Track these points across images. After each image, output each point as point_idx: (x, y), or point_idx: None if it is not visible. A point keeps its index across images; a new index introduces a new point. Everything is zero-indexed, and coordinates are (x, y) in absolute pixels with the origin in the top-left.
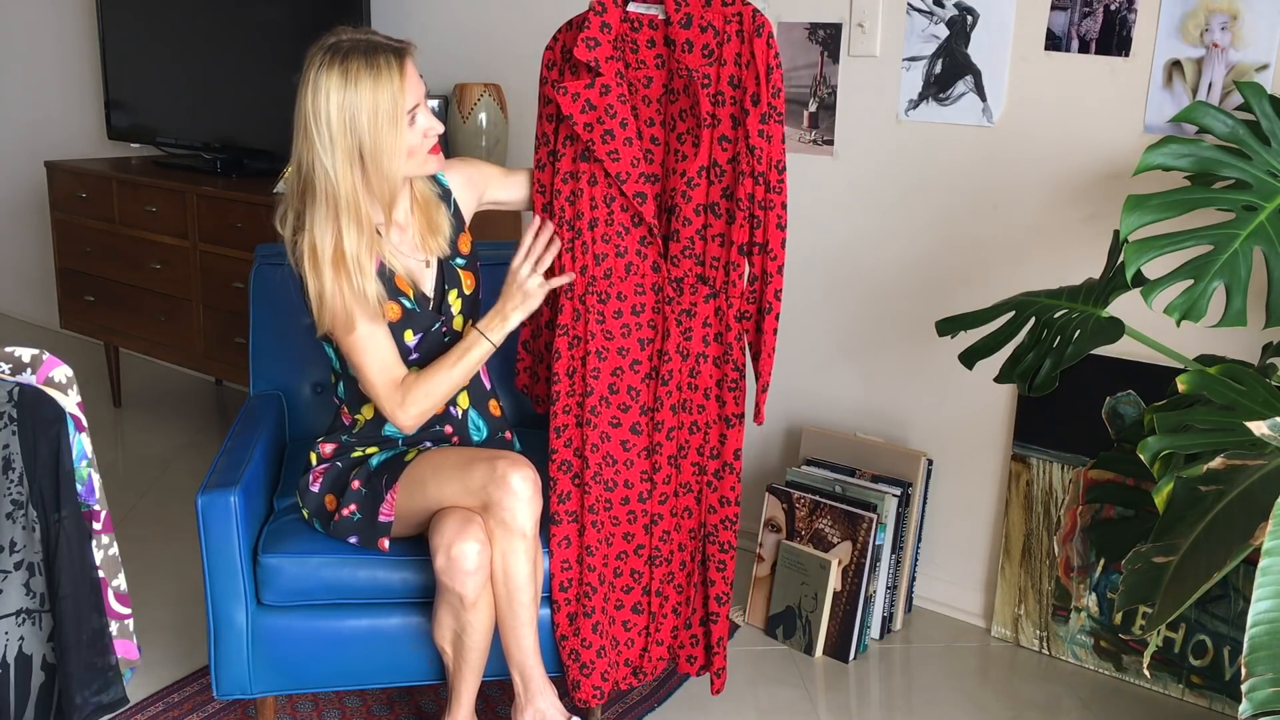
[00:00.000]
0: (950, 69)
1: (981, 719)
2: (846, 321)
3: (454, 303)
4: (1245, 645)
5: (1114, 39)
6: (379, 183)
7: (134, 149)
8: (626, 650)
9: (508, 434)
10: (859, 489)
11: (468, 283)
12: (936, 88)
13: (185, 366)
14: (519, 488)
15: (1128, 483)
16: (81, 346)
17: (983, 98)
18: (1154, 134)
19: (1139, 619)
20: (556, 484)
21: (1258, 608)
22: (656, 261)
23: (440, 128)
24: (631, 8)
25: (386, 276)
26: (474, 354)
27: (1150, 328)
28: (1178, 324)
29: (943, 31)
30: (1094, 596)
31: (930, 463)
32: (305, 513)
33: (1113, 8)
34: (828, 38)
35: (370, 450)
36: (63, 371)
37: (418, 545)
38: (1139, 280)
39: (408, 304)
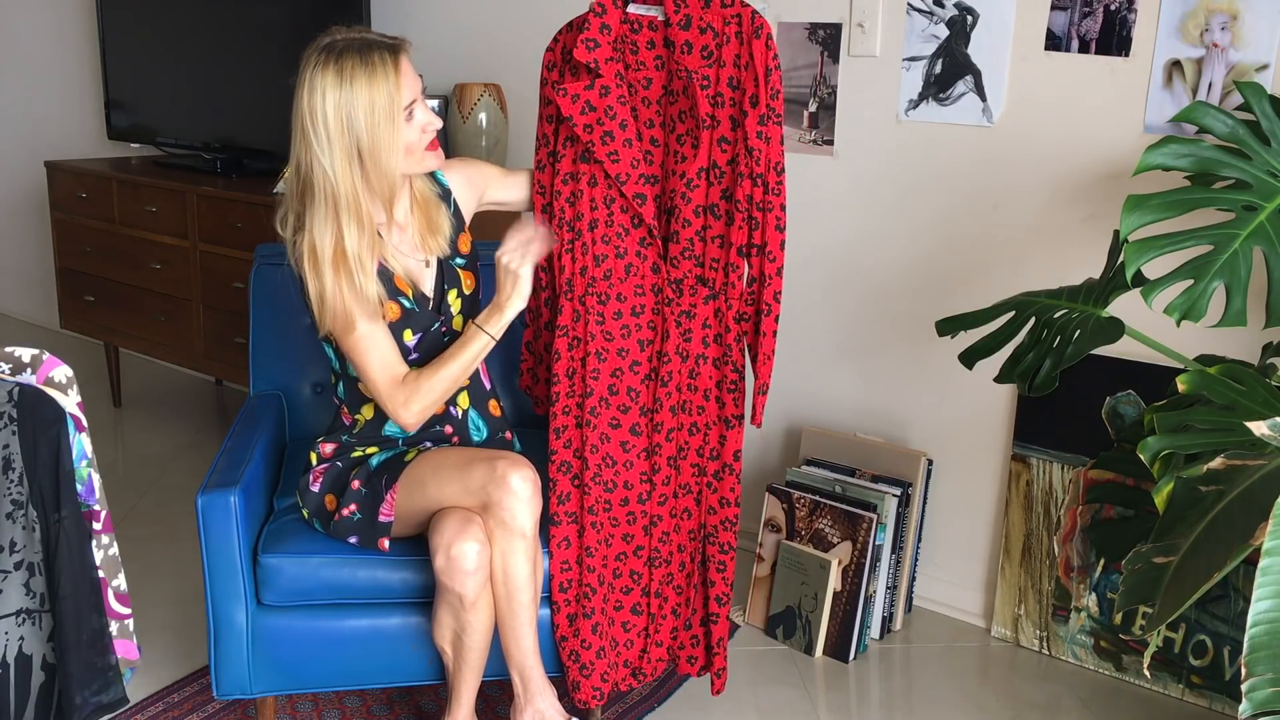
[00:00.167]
0: (950, 69)
1: (981, 719)
2: (846, 321)
3: (454, 303)
4: (1245, 645)
5: (1114, 39)
6: (378, 180)
7: (134, 149)
8: (626, 651)
9: (508, 434)
10: (859, 489)
11: (467, 283)
12: (936, 88)
13: (185, 366)
14: (519, 488)
15: (1128, 483)
16: (81, 346)
17: (983, 98)
18: (1154, 134)
19: (1139, 619)
20: (556, 485)
21: (1258, 608)
22: (656, 263)
23: (439, 123)
24: (631, 9)
25: (386, 276)
26: (473, 348)
27: (1150, 328)
28: (1178, 324)
29: (943, 31)
30: (1094, 596)
31: (930, 463)
32: (305, 513)
33: (1113, 8)
34: (828, 38)
35: (370, 450)
36: (63, 371)
37: (418, 545)
38: (1139, 280)
39: (407, 304)
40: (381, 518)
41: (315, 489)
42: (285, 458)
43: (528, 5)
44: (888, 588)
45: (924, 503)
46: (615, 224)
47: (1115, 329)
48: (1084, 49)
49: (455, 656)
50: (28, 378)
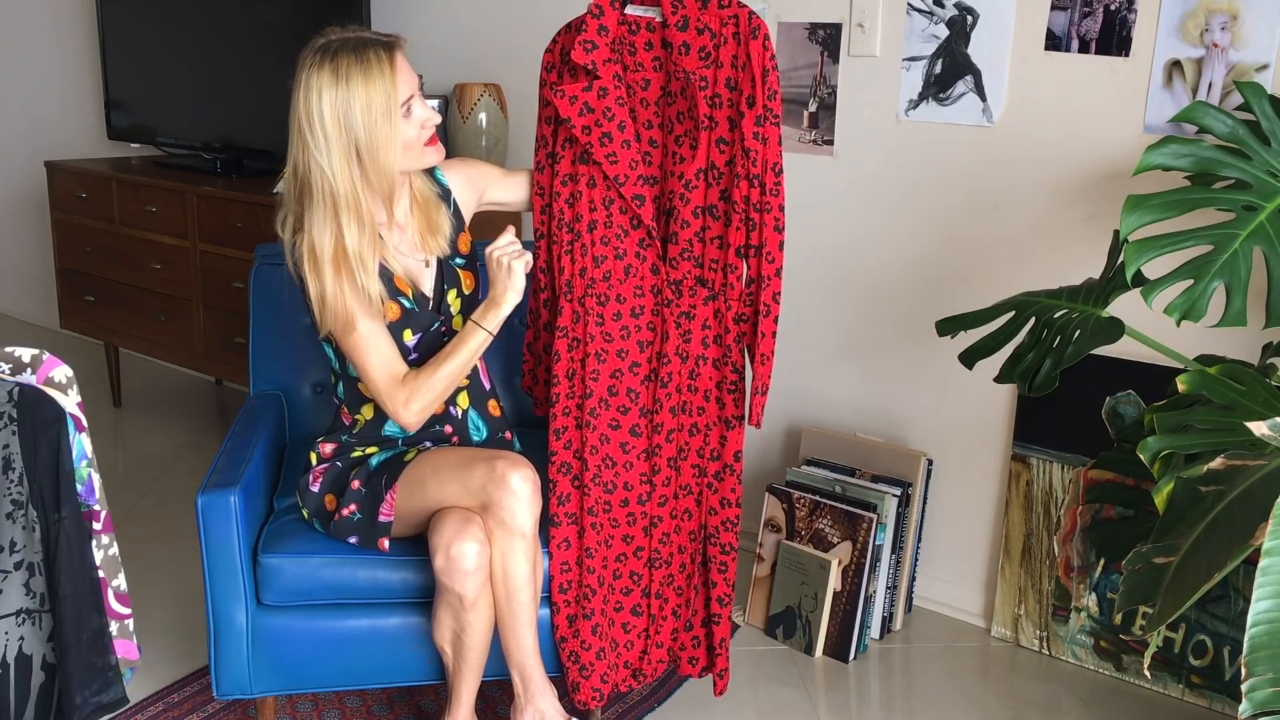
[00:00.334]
0: (950, 69)
1: (981, 719)
2: (846, 321)
3: (453, 303)
4: (1245, 645)
5: (1114, 39)
6: (377, 178)
7: (134, 149)
8: (626, 652)
9: (507, 434)
10: (859, 489)
11: (467, 283)
12: (936, 88)
13: (185, 366)
14: (518, 488)
15: (1128, 483)
16: (81, 346)
17: (983, 98)
18: (1154, 134)
19: (1139, 619)
20: (556, 486)
21: (1258, 608)
22: (655, 264)
23: (437, 118)
24: (629, 10)
25: (386, 276)
26: (471, 345)
27: (1150, 328)
28: (1178, 324)
29: (943, 31)
30: (1094, 596)
31: (930, 463)
32: (305, 513)
33: (1113, 8)
34: (828, 38)
35: (370, 450)
36: (63, 371)
37: (417, 545)
38: (1139, 280)
39: (407, 304)
40: (381, 518)
41: (315, 489)
42: (285, 458)
43: (528, 5)
44: (888, 588)
45: (924, 503)
46: (614, 225)
47: (1115, 329)
48: (1084, 49)
49: (455, 656)
50: (28, 378)
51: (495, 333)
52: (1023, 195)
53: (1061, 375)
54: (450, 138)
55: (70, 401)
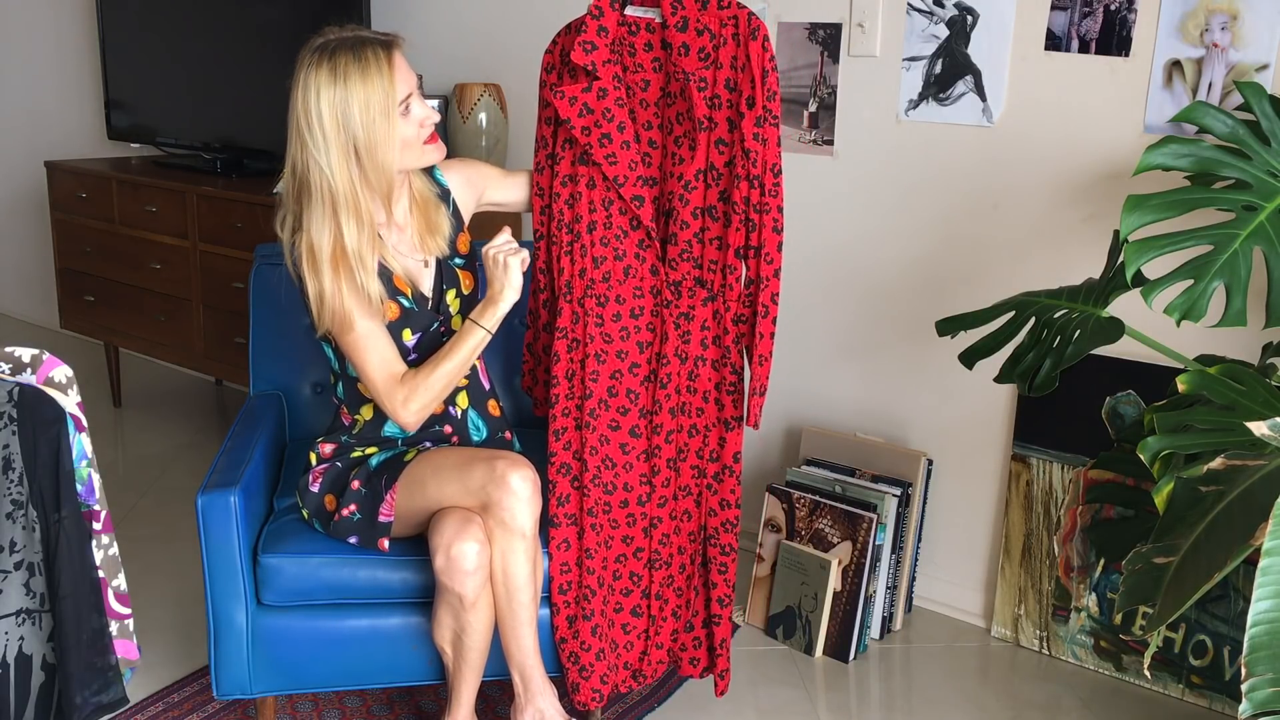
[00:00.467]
0: (950, 69)
1: (981, 719)
2: (846, 321)
3: (452, 303)
4: (1245, 645)
5: (1114, 39)
6: (376, 177)
7: (134, 149)
8: (626, 653)
9: (507, 434)
10: (859, 489)
11: (466, 283)
12: (936, 88)
13: (185, 366)
14: (518, 487)
15: (1128, 483)
16: (81, 346)
17: (983, 98)
18: (1154, 134)
19: (1139, 619)
20: (556, 487)
21: (1258, 608)
22: (655, 265)
23: (436, 116)
24: (629, 11)
25: (385, 276)
26: (469, 343)
27: (1150, 328)
28: (1178, 324)
29: (943, 31)
30: (1094, 596)
31: (930, 463)
32: (305, 513)
33: (1113, 8)
34: (828, 38)
35: (370, 450)
36: (63, 371)
37: (417, 545)
38: (1139, 280)
39: (405, 303)
40: (381, 518)
41: (315, 489)
42: (285, 458)
43: (528, 5)
44: (888, 588)
45: (924, 503)
46: (614, 226)
47: (1115, 329)
48: (1084, 49)
49: (455, 656)
50: (28, 378)
51: (493, 331)
52: (1023, 195)
53: (1061, 375)
54: (450, 138)
55: (70, 401)
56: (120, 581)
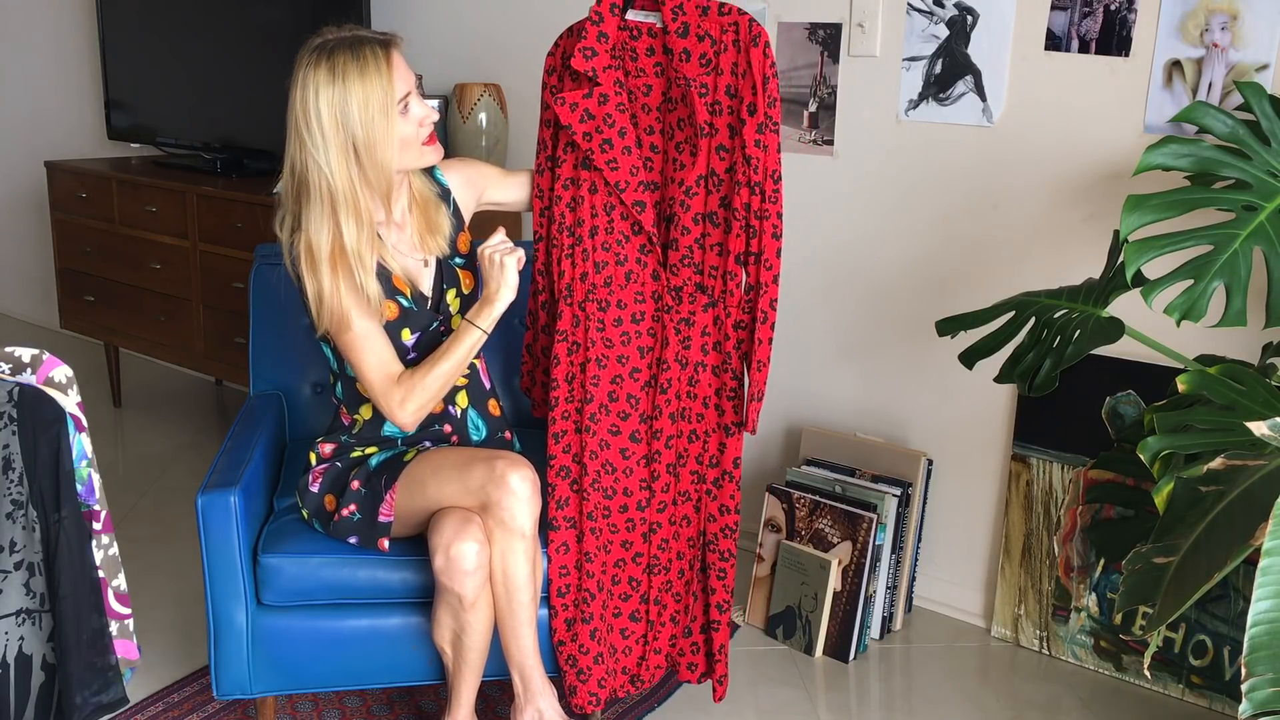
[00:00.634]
0: (950, 69)
1: (981, 719)
2: (846, 321)
3: (452, 302)
4: (1245, 645)
5: (1114, 39)
6: (375, 175)
7: (134, 149)
8: (624, 658)
9: (507, 434)
10: (859, 489)
11: (466, 282)
12: (936, 88)
13: (185, 366)
14: (518, 487)
15: (1128, 483)
16: (81, 346)
17: (983, 98)
18: (1154, 134)
19: (1139, 619)
20: (555, 490)
21: (1258, 608)
22: (656, 270)
23: (435, 115)
24: (630, 16)
25: (384, 275)
26: (466, 343)
27: (1150, 328)
28: (1178, 324)
29: (943, 31)
30: (1094, 596)
31: (930, 463)
32: (305, 513)
33: (1113, 8)
34: (828, 38)
35: (369, 450)
36: (63, 371)
37: (417, 545)
38: (1139, 280)
39: (405, 302)
40: (381, 518)
41: (314, 489)
42: (285, 458)
43: (528, 5)
44: (888, 588)
45: (924, 503)
46: (615, 231)
47: (1115, 329)
48: (1084, 49)
49: (455, 656)
50: (28, 378)
51: (490, 331)
52: (1023, 195)
53: (1061, 375)
54: (450, 138)
55: (70, 401)
56: (120, 581)
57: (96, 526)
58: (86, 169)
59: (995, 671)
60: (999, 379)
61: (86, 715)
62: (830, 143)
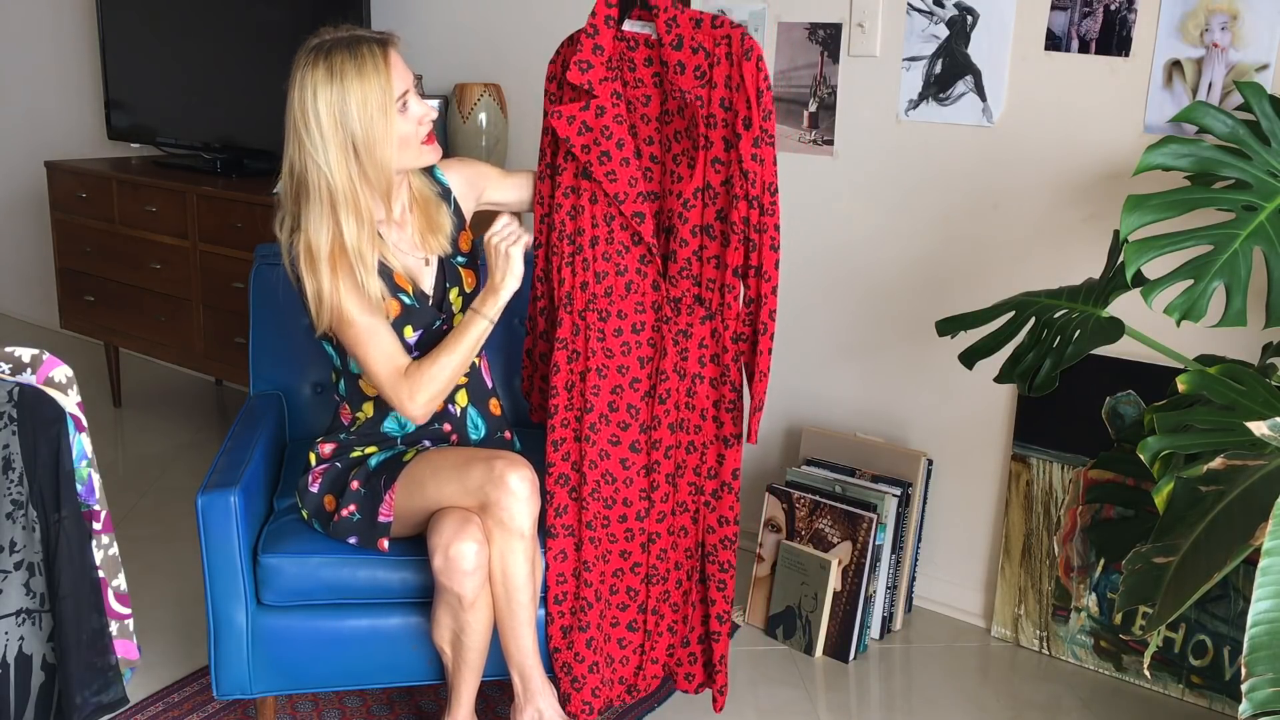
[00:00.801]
0: (950, 69)
1: (981, 719)
2: (846, 321)
3: (455, 301)
4: (1245, 645)
5: (1114, 39)
6: (375, 174)
7: (134, 149)
8: (621, 668)
9: (507, 433)
10: (859, 489)
11: (468, 281)
12: (936, 88)
13: (185, 366)
14: (517, 488)
15: (1128, 483)
16: (81, 346)
17: (983, 98)
18: (1154, 134)
19: (1139, 619)
20: (554, 498)
21: (1258, 608)
22: (656, 280)
23: (434, 113)
24: (626, 26)
25: (385, 274)
26: (472, 333)
27: (1150, 328)
28: (1178, 324)
29: (943, 31)
30: (1094, 596)
31: (930, 463)
32: (305, 513)
33: (1113, 8)
34: (828, 38)
35: (369, 449)
36: (63, 371)
37: (417, 545)
38: (1139, 280)
39: (407, 300)
40: (380, 518)
41: (314, 490)
42: (285, 458)
43: (528, 6)
44: (888, 588)
45: (924, 503)
46: (615, 241)
47: (1115, 329)
48: (1084, 49)
49: (454, 656)
50: (28, 378)
51: (495, 320)
52: (1023, 195)
53: (1061, 375)
54: (450, 138)
55: (70, 401)
56: (120, 581)
57: (96, 526)
58: (86, 169)
59: (995, 671)
60: (999, 379)
61: (86, 715)
62: (830, 143)
